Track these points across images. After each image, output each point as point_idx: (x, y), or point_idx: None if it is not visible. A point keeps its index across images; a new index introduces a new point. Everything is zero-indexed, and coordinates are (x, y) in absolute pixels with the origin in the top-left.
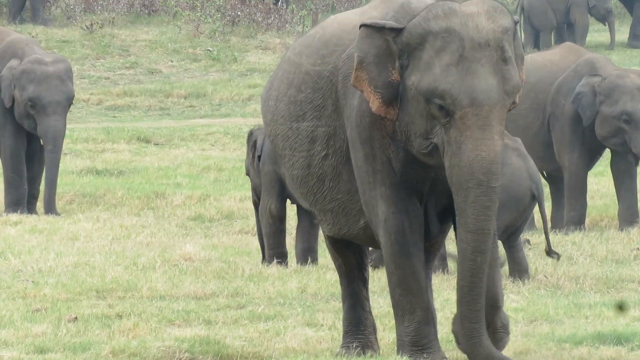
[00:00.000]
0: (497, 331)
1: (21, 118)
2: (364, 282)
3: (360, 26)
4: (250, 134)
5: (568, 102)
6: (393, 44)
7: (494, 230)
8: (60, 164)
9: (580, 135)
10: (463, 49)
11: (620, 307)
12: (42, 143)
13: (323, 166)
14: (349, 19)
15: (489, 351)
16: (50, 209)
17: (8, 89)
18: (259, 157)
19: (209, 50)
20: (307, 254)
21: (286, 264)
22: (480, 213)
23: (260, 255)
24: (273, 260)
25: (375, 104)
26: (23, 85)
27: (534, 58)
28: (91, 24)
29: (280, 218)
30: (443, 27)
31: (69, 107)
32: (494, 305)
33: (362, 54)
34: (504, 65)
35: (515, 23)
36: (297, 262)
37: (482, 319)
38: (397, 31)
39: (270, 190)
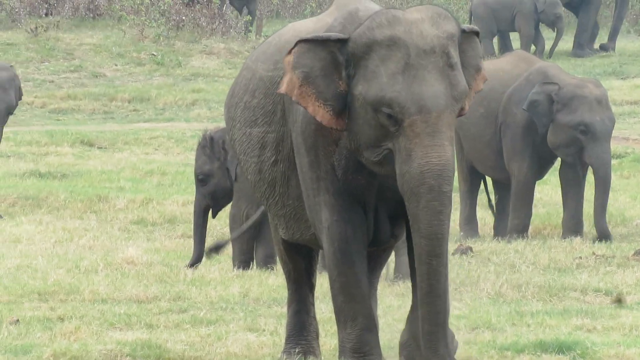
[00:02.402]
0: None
1: None
2: (311, 288)
3: (298, 42)
4: (211, 138)
5: (520, 111)
6: (339, 55)
7: (447, 233)
8: (3, 167)
9: (531, 144)
10: (408, 56)
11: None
12: None
13: (273, 172)
14: (304, 26)
15: (448, 353)
16: None
17: None
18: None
19: (153, 54)
20: (269, 260)
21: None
22: (432, 218)
23: (204, 259)
24: (246, 265)
25: (325, 117)
26: None
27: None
28: (36, 27)
29: (256, 224)
30: (387, 36)
31: (8, 116)
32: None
33: (307, 68)
34: (451, 71)
35: (477, 33)
36: (258, 268)
37: (442, 324)
38: (343, 42)
39: (248, 195)
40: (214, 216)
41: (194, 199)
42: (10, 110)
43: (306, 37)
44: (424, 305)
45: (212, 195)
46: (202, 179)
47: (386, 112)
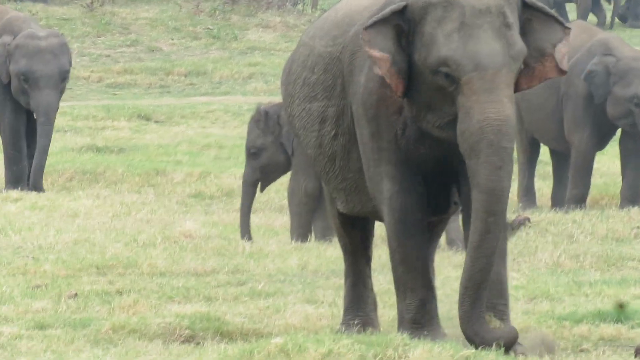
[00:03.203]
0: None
1: (17, 94)
2: (368, 260)
3: (363, 30)
4: (266, 112)
5: (582, 82)
6: (403, 24)
7: (507, 192)
8: (60, 141)
9: (592, 115)
10: (464, 16)
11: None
12: (35, 117)
13: (333, 146)
14: (360, 0)
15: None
16: (36, 180)
17: (4, 65)
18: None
19: (209, 28)
20: (327, 232)
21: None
22: (491, 173)
23: (261, 232)
24: (304, 238)
25: (383, 67)
26: (16, 59)
27: None
28: (91, 2)
29: (315, 197)
30: None
31: (62, 81)
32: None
33: (385, 51)
34: (507, 31)
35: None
36: (316, 240)
37: (479, 283)
38: (401, 11)
39: (306, 168)
40: (262, 190)
41: None
42: (63, 76)
43: (366, 23)
44: (468, 259)
45: (263, 170)
46: (254, 153)
47: (443, 71)
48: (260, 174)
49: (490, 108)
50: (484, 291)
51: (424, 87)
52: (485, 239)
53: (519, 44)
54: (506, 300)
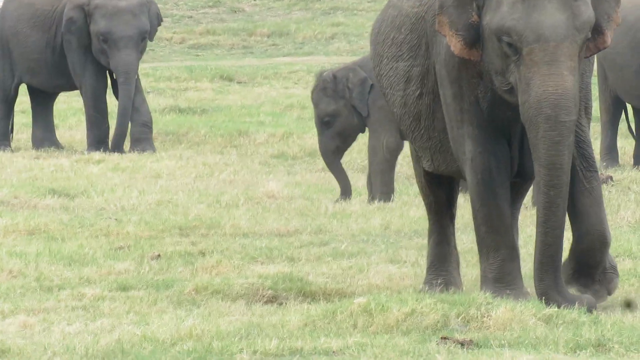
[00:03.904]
0: (607, 272)
1: (97, 54)
2: (452, 218)
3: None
4: (334, 77)
5: None
6: None
7: (568, 165)
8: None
9: None
10: None
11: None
12: (114, 77)
13: (418, 105)
14: None
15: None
16: (118, 142)
17: (84, 25)
18: (369, 93)
19: None
20: None
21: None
22: (550, 148)
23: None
24: (389, 197)
25: (457, 46)
26: (96, 20)
27: None
28: None
29: (397, 153)
30: None
31: (142, 41)
32: (602, 242)
33: (458, 26)
34: (574, 1)
35: None
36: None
37: (553, 256)
38: None
39: (386, 124)
40: (340, 157)
41: None
42: (143, 36)
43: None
44: (538, 235)
45: (340, 135)
46: (327, 122)
47: (506, 40)
48: (338, 140)
49: (549, 81)
50: (559, 262)
51: (492, 51)
52: (550, 212)
53: (586, 14)
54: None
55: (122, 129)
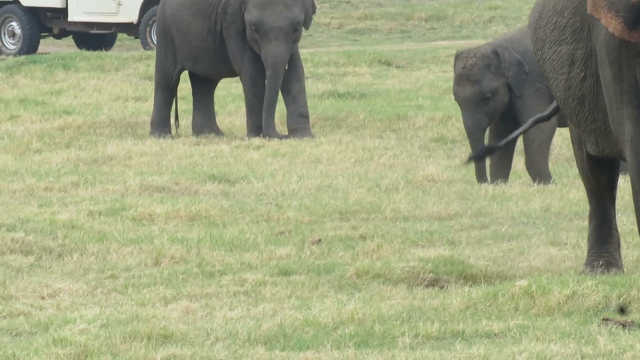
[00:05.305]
0: None
1: (251, 42)
2: (613, 200)
3: None
4: (496, 53)
5: None
6: None
7: None
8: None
9: None
10: None
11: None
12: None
13: (582, 87)
14: None
15: None
16: (267, 132)
17: (238, 12)
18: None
19: None
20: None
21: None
22: None
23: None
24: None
25: (617, 28)
26: (249, 9)
27: None
28: None
29: (552, 135)
30: None
31: (294, 32)
32: None
33: (617, 7)
34: None
35: None
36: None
37: None
38: None
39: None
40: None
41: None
42: (295, 27)
43: None
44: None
45: (492, 113)
46: (488, 97)
47: None
48: (487, 117)
49: None
50: None
51: None
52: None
53: None
54: None
55: (268, 120)
